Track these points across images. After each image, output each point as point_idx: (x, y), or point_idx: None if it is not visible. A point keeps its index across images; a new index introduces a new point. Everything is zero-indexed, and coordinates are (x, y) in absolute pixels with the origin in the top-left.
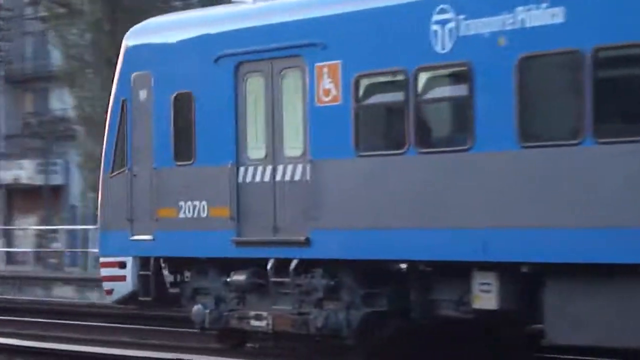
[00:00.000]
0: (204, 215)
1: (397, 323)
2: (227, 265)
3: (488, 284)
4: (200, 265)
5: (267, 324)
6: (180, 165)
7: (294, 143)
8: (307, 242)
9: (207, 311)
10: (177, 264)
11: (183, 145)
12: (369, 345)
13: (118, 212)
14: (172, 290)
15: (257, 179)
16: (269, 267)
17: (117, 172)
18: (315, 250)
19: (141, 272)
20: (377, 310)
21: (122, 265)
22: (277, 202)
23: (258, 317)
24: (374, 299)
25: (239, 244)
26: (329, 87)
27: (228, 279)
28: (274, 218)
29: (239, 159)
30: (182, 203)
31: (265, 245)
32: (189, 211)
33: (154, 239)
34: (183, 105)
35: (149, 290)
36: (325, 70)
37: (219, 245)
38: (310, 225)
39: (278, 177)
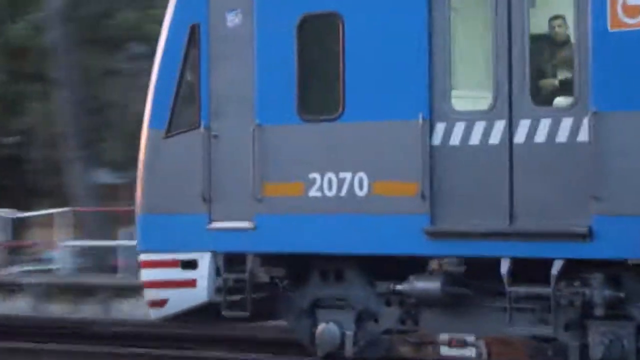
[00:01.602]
0: (361, 192)
1: None
2: (373, 266)
3: None
4: (322, 265)
5: (480, 353)
6: (311, 121)
7: (550, 85)
8: (588, 235)
9: (351, 332)
10: (288, 264)
11: (318, 92)
12: None
13: (180, 188)
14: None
15: (474, 140)
16: (503, 271)
17: (178, 131)
18: (603, 247)
19: (227, 275)
20: None
21: (189, 264)
22: (518, 175)
23: (458, 343)
24: None
25: (436, 235)
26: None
27: (397, 287)
28: (509, 199)
29: (435, 110)
30: (314, 175)
31: (493, 237)
32: (329, 187)
33: (255, 227)
34: (319, 32)
35: (239, 302)
36: None
37: (394, 236)
38: (593, 209)
39: (519, 138)
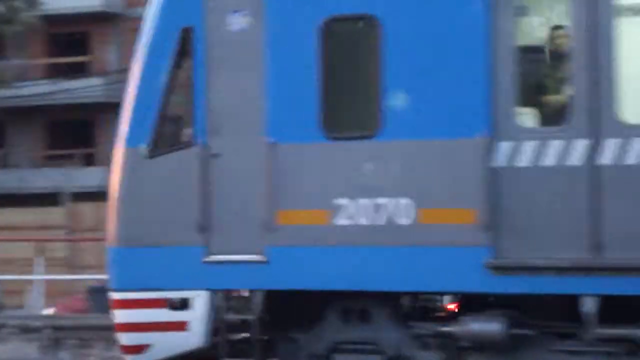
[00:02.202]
0: (405, 221)
1: None
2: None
3: None
4: (343, 303)
5: None
6: (338, 139)
7: None
8: None
9: None
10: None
11: (347, 105)
12: None
13: (168, 217)
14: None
15: (548, 161)
16: (586, 309)
17: (166, 150)
18: None
19: (229, 317)
20: None
21: (180, 304)
22: (606, 199)
23: None
24: None
25: (500, 269)
26: None
27: (445, 328)
28: (594, 227)
29: (498, 127)
30: (342, 201)
31: (574, 272)
32: (362, 214)
33: (267, 261)
34: (349, 36)
35: (241, 350)
36: None
37: (449, 271)
38: None
39: (606, 159)
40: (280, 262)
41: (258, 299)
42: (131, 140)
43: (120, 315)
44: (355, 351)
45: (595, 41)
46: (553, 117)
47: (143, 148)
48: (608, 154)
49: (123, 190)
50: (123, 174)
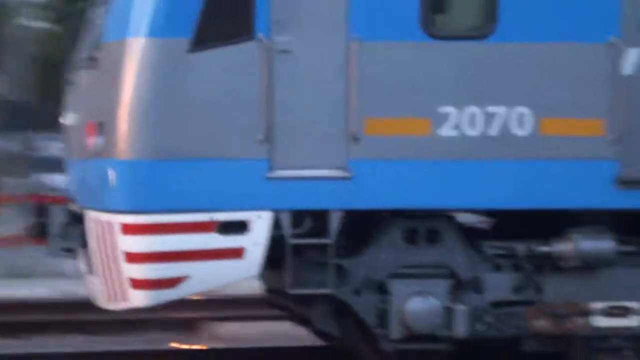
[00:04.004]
0: (522, 132)
1: None
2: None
3: None
4: (404, 224)
5: None
6: (444, 38)
7: None
8: None
9: (463, 307)
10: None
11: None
12: None
13: (219, 124)
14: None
15: None
16: None
17: (217, 42)
18: None
19: (294, 241)
20: None
21: (236, 228)
22: None
23: (619, 311)
24: None
25: (631, 184)
26: None
27: (547, 248)
28: None
29: (629, 31)
30: (447, 109)
31: None
32: (472, 124)
33: (350, 177)
34: None
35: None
36: None
37: (574, 187)
38: None
39: None
40: (367, 178)
41: (336, 220)
42: (162, 29)
43: (142, 243)
44: (419, 275)
45: None
46: None
47: (183, 40)
48: None
49: (150, 91)
50: (148, 71)
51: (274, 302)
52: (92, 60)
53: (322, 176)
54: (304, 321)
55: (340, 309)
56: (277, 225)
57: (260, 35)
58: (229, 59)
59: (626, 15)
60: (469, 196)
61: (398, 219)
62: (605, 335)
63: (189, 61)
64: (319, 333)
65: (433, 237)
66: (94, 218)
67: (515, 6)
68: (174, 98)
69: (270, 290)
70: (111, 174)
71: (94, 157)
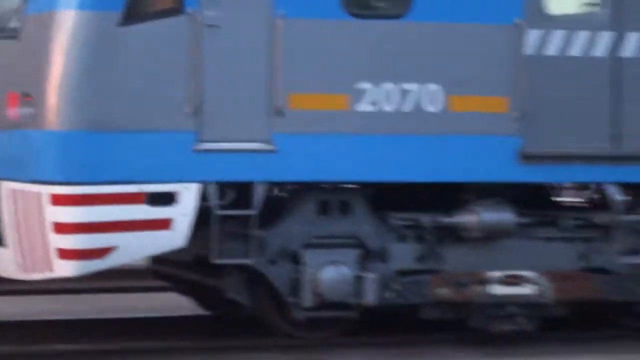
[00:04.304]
0: (433, 108)
1: None
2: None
3: None
4: (316, 196)
5: (542, 291)
6: (363, 17)
7: None
8: None
9: (374, 275)
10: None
11: None
12: None
13: (147, 97)
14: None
15: (574, 51)
16: (615, 197)
17: (146, 15)
18: None
19: (221, 213)
20: None
21: (164, 199)
22: (625, 91)
23: (515, 280)
24: None
25: (530, 158)
26: None
27: (450, 220)
28: (611, 118)
29: (530, 13)
30: (365, 85)
31: (596, 161)
32: (387, 100)
33: (274, 150)
34: None
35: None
36: None
37: (480, 160)
38: None
39: (628, 52)
40: (291, 152)
41: (260, 192)
42: (93, 2)
43: (72, 213)
44: (330, 245)
45: None
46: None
47: (114, 13)
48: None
49: (81, 64)
50: (79, 43)
51: (160, 272)
52: (12, 31)
53: (247, 149)
54: (187, 292)
55: (251, 279)
56: (204, 196)
57: (189, 9)
58: (159, 33)
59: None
60: (385, 169)
61: (311, 191)
62: (502, 302)
63: (119, 34)
64: (203, 304)
65: (344, 209)
66: (15, 188)
67: None
68: (104, 71)
69: (157, 260)
70: (40, 145)
71: (19, 127)
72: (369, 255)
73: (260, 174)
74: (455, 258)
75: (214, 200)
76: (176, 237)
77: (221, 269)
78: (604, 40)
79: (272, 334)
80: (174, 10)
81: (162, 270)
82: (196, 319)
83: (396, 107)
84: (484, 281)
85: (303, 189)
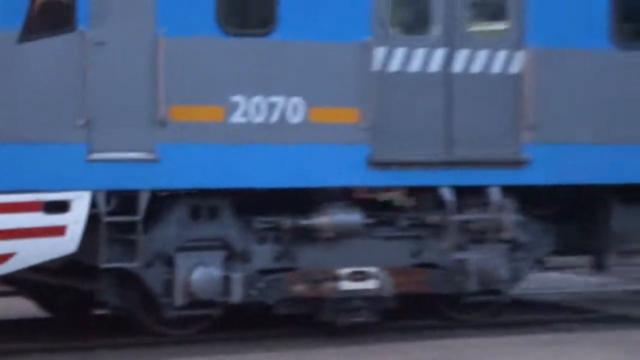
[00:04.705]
0: (295, 119)
1: None
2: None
3: None
4: (189, 202)
5: (382, 285)
6: (235, 35)
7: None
8: (523, 162)
9: (239, 275)
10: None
11: (243, 3)
12: None
13: (43, 110)
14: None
15: (413, 67)
16: (448, 198)
17: (41, 34)
18: (538, 172)
19: (109, 219)
20: None
21: (58, 207)
22: (456, 104)
23: (360, 276)
24: None
25: (378, 165)
26: None
27: (307, 222)
28: (444, 128)
29: (379, 32)
30: (237, 98)
31: (433, 166)
32: (256, 112)
33: (157, 159)
34: None
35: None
36: None
37: (335, 167)
38: (527, 138)
39: (457, 68)
40: (172, 161)
41: (144, 199)
42: None
43: None
44: (201, 248)
45: None
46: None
47: (14, 32)
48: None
49: None
50: None
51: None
52: None
53: (132, 159)
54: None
55: (124, 282)
56: (94, 204)
57: (80, 27)
58: (53, 50)
59: (375, 18)
60: (256, 176)
61: (183, 197)
62: (349, 297)
63: (18, 51)
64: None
65: (212, 214)
66: None
67: (292, 9)
68: (4, 85)
69: None
70: None
71: None
72: (234, 257)
73: (144, 182)
74: (309, 257)
75: (102, 208)
76: (70, 242)
77: (93, 273)
78: (438, 57)
79: (141, 333)
80: (66, 28)
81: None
82: (45, 321)
83: (264, 119)
84: (335, 278)
85: (176, 196)
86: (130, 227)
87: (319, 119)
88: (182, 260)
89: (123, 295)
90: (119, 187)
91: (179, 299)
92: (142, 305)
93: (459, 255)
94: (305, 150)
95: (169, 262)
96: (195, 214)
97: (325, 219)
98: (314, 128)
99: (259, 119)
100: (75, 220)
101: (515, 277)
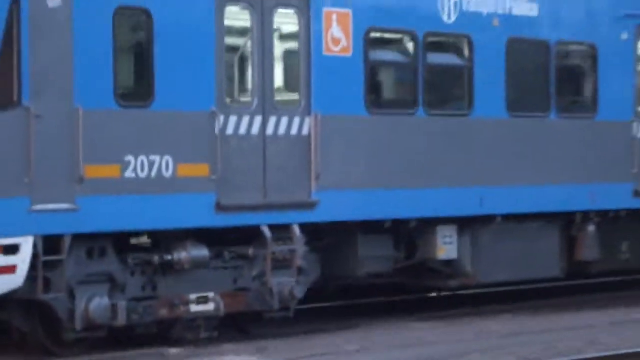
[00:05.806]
0: (167, 174)
1: None
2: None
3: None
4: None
5: (218, 307)
6: (127, 107)
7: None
8: (312, 205)
9: (124, 303)
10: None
11: (132, 79)
12: None
13: (4, 171)
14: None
15: (241, 130)
16: (267, 234)
17: None
18: (322, 213)
19: (44, 258)
20: None
21: (9, 250)
22: (269, 159)
23: (203, 300)
24: None
25: (223, 209)
26: None
27: (174, 256)
28: (261, 177)
29: (220, 104)
30: (130, 158)
31: (255, 210)
32: (142, 169)
33: (77, 209)
34: (132, 24)
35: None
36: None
37: (193, 211)
38: (314, 185)
39: (269, 131)
40: (87, 209)
41: (67, 241)
42: None
43: None
44: (95, 282)
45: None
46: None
47: None
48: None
49: None
50: None
51: None
52: None
53: (60, 209)
54: None
55: (29, 309)
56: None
57: (25, 103)
58: (5, 122)
59: (216, 90)
60: (145, 219)
61: (82, 239)
62: (195, 317)
63: None
64: None
65: (102, 253)
66: None
67: (165, 84)
68: None
69: None
70: None
71: None
72: (117, 288)
73: (68, 227)
74: (171, 285)
75: (40, 249)
76: (18, 279)
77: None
78: (257, 122)
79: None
80: (14, 104)
81: None
82: None
83: (147, 174)
84: (187, 302)
85: (75, 238)
86: (52, 265)
87: (182, 173)
88: (81, 292)
89: (28, 321)
90: (51, 232)
91: (79, 324)
92: (44, 329)
93: (262, 280)
94: (173, 198)
95: (72, 294)
96: (91, 254)
97: (184, 254)
98: (179, 180)
99: (143, 174)
100: (23, 260)
101: (295, 297)
